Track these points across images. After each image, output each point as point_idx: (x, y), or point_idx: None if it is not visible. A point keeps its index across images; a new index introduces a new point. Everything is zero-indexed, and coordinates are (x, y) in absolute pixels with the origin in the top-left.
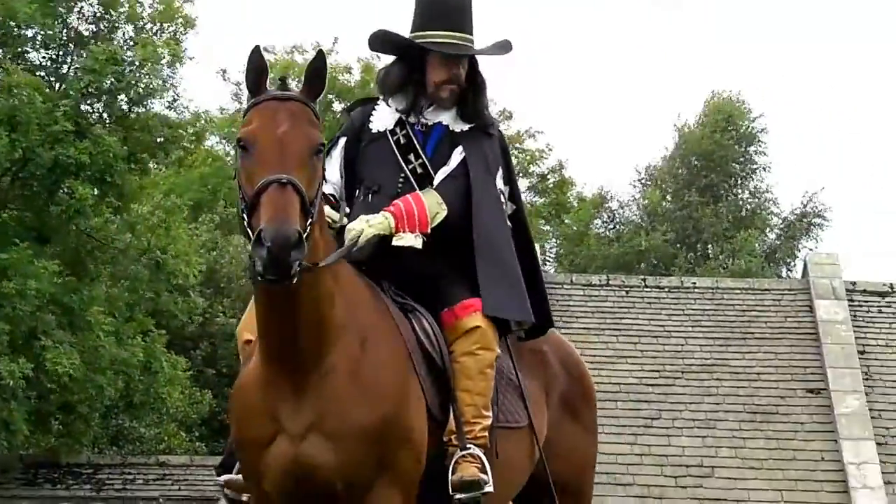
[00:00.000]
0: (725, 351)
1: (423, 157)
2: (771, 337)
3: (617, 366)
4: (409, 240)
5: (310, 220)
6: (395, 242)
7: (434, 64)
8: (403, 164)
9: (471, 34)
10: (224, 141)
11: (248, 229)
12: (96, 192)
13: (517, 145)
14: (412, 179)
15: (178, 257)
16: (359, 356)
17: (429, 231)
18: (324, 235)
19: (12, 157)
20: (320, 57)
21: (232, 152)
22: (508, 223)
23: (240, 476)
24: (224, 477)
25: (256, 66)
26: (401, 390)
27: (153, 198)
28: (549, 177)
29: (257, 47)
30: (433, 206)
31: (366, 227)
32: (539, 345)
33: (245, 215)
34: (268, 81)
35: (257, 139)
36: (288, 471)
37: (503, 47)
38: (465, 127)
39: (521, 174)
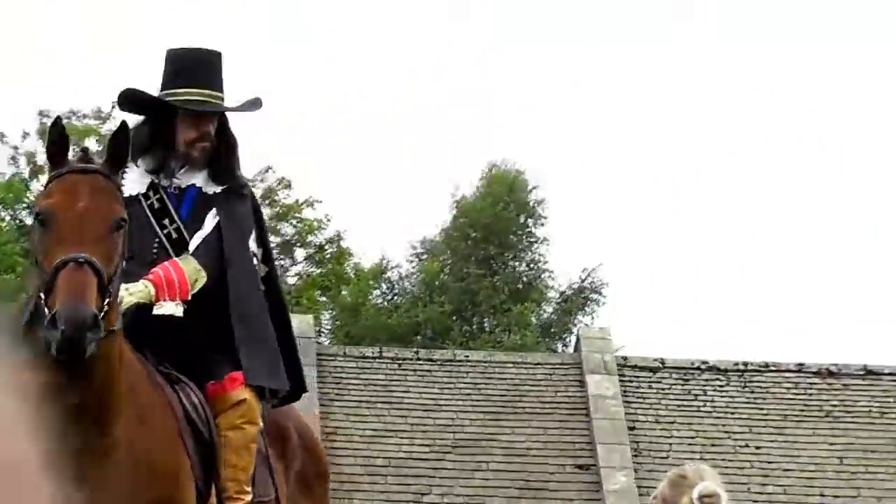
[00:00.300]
0: (496, 425)
1: (178, 221)
2: (542, 412)
3: (387, 440)
4: (171, 308)
5: (107, 300)
6: (156, 311)
7: (183, 123)
8: (158, 229)
9: (220, 91)
10: None
11: (45, 308)
12: None
13: (295, 215)
14: (167, 244)
15: None
16: (137, 434)
17: (189, 298)
18: (115, 308)
19: None
20: (123, 128)
21: (7, 217)
22: (262, 287)
23: None
24: None
25: (58, 137)
26: (175, 470)
27: None
28: (326, 247)
29: (59, 118)
30: (192, 272)
31: (126, 295)
32: (281, 417)
33: (41, 292)
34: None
35: (56, 214)
36: None
37: (254, 104)
38: (218, 189)
39: (298, 244)
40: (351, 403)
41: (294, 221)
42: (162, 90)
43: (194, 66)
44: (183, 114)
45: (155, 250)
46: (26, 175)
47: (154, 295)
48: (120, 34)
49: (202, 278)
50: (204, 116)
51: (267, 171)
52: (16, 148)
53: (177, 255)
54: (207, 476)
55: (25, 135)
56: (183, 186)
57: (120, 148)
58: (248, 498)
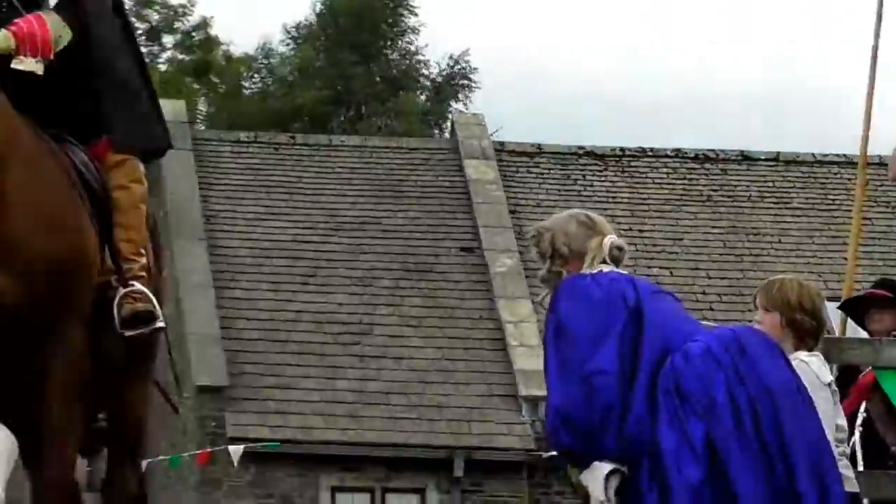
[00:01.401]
0: (377, 209)
1: None
2: (422, 196)
3: (269, 222)
4: (31, 65)
5: None
6: (14, 65)
7: None
8: None
9: None
10: None
11: None
12: None
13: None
14: (16, 1)
15: None
16: (30, 185)
17: (52, 57)
18: None
19: None
20: None
21: None
22: (126, 42)
23: None
24: None
25: None
26: (77, 220)
27: None
28: (194, 34)
29: None
30: (56, 27)
31: None
32: None
33: None
34: None
35: None
36: None
37: None
38: None
39: (165, 31)
40: (230, 187)
41: (158, 7)
42: None
43: None
44: None
45: (4, 8)
46: None
47: (15, 48)
48: None
49: (66, 35)
50: None
51: None
52: None
53: (39, 10)
54: (101, 237)
55: None
56: None
57: None
58: (143, 260)
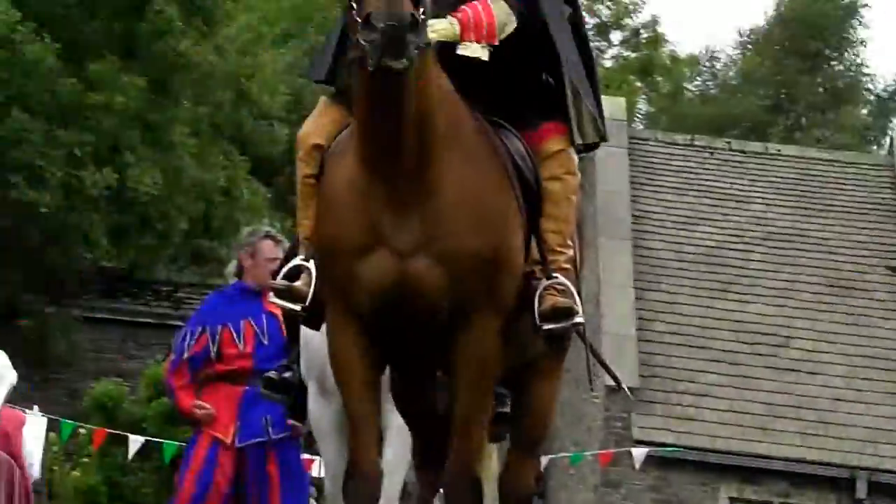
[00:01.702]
0: (807, 221)
1: None
2: (853, 211)
3: (696, 227)
4: (476, 51)
5: (422, 10)
6: (460, 51)
7: None
8: None
9: None
10: None
11: (356, 20)
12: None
13: None
14: None
15: (263, 87)
16: (465, 173)
17: (497, 43)
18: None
19: None
20: None
21: None
22: (575, 33)
23: (302, 283)
24: (280, 282)
25: None
26: (507, 214)
27: (241, 20)
28: (641, 32)
29: None
30: (502, 15)
31: (428, 31)
32: None
33: (352, 3)
34: None
35: None
36: (394, 285)
37: None
38: None
39: (613, 27)
40: (661, 188)
41: (609, 3)
42: None
43: None
44: None
45: None
46: None
47: (459, 34)
48: None
49: (511, 23)
50: None
51: None
52: None
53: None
54: (529, 228)
55: None
56: None
57: None
58: (570, 252)
